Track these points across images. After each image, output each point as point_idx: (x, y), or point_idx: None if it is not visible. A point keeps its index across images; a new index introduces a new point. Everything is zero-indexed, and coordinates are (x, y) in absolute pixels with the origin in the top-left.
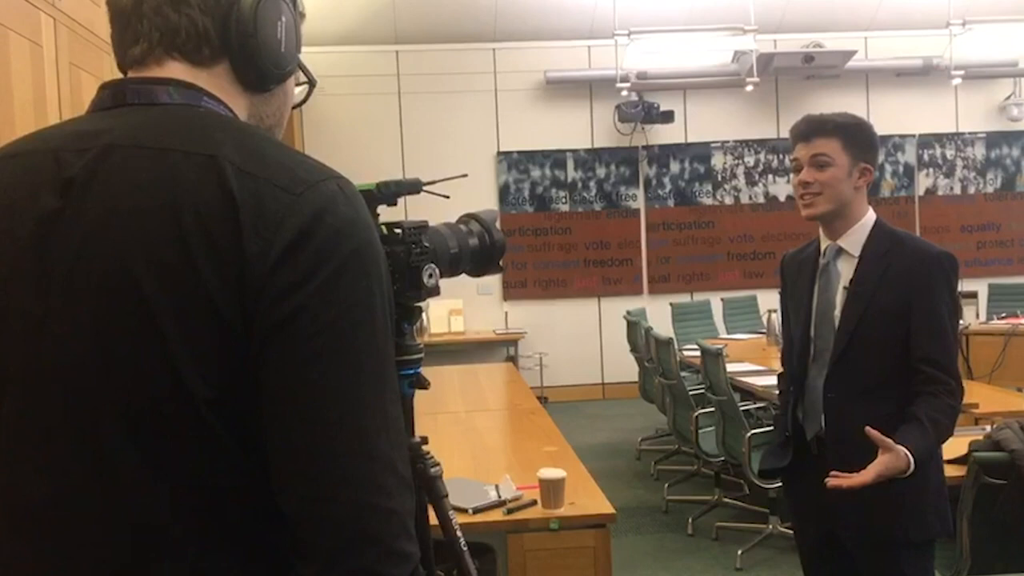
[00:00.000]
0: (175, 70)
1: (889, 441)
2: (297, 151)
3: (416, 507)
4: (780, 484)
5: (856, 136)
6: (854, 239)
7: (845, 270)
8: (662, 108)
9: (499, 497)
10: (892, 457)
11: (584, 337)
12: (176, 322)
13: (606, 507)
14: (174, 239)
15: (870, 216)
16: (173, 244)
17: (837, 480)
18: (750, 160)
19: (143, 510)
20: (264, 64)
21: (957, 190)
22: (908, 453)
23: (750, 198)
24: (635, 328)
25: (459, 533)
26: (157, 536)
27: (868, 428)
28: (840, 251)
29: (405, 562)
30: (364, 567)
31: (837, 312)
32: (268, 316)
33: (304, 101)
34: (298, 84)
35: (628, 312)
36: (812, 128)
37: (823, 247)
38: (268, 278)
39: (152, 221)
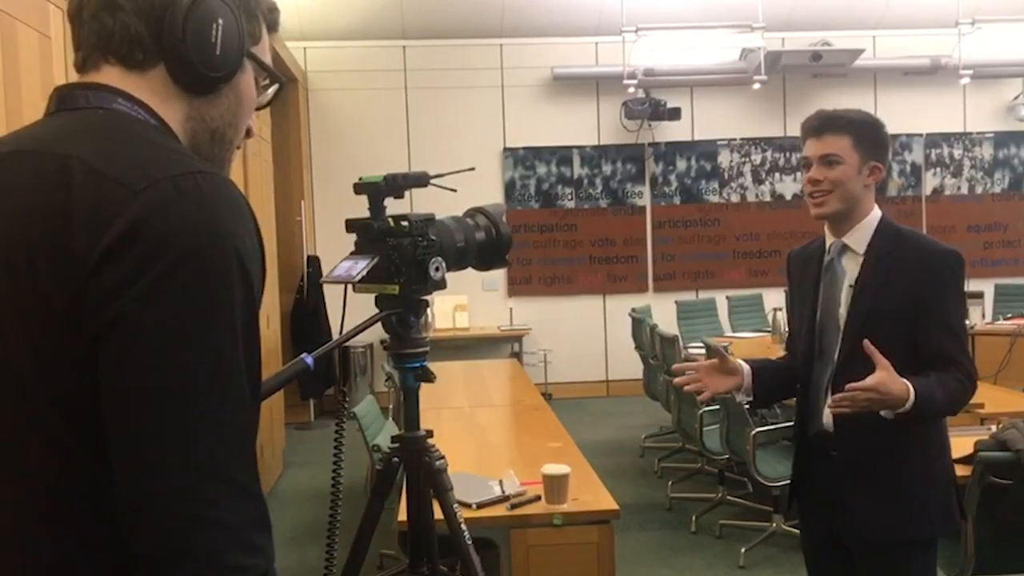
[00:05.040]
0: (108, 74)
1: (887, 362)
2: (183, 150)
3: (420, 500)
4: (784, 483)
5: (867, 134)
6: (859, 236)
7: (850, 268)
8: (669, 105)
9: (503, 492)
10: (891, 375)
11: (589, 334)
12: (19, 325)
13: (610, 503)
14: (22, 241)
15: (875, 214)
16: (21, 246)
17: (841, 395)
18: (757, 158)
19: None
20: (198, 68)
21: (964, 190)
22: (911, 385)
23: (756, 196)
24: (640, 325)
25: (464, 527)
26: (5, 536)
27: (866, 342)
28: (845, 248)
29: (236, 575)
30: None
31: (842, 311)
32: (95, 320)
33: (271, 101)
34: (267, 85)
35: (633, 309)
36: (824, 123)
37: (828, 243)
38: (92, 279)
39: (6, 223)
